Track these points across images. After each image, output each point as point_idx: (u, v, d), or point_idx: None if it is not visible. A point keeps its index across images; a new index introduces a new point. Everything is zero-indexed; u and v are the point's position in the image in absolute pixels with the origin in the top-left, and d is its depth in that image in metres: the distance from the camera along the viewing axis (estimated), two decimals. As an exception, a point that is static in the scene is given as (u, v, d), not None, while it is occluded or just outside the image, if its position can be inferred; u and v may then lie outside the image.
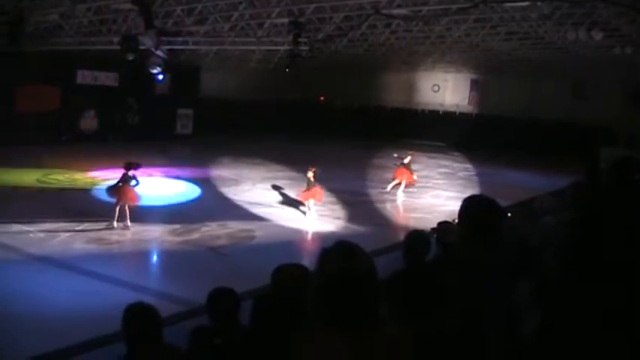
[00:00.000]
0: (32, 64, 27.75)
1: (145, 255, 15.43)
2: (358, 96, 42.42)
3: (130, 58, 22.94)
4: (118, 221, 16.08)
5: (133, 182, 16.26)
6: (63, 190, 21.49)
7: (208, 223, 17.14)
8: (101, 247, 14.76)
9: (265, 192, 22.27)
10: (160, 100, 35.39)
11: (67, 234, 15.56)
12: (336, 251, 2.99)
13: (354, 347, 2.86)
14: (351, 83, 41.46)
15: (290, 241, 16.54)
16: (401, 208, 21.69)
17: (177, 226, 17.13)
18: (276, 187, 22.93)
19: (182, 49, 24.22)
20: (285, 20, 20.69)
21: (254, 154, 30.12)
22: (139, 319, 4.60)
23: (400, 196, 22.56)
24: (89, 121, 33.27)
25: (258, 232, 17.13)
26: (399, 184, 22.84)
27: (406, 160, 22.95)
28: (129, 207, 16.23)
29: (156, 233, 16.63)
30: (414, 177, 23.45)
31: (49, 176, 23.23)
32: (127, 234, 15.95)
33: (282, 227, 17.90)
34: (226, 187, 21.72)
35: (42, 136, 28.84)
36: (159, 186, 22.45)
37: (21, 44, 23.61)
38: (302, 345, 2.98)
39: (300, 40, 19.98)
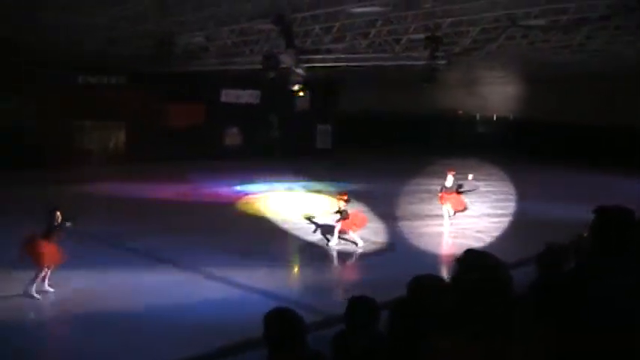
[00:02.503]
0: (180, 83, 29.17)
1: (284, 265, 15.87)
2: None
3: (271, 76, 23.67)
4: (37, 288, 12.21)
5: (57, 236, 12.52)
6: (207, 204, 22.41)
7: (345, 237, 17.39)
8: (244, 258, 15.30)
9: (406, 206, 22.31)
10: (300, 117, 36.17)
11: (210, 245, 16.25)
12: (477, 262, 3.07)
13: (488, 354, 2.94)
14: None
15: (427, 253, 16.66)
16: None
17: (315, 239, 17.67)
18: (411, 202, 23.00)
19: (321, 67, 24.72)
20: (422, 35, 20.75)
21: (391, 169, 30.23)
22: (282, 323, 4.63)
23: (447, 223, 19.98)
24: (233, 137, 34.52)
25: (397, 244, 17.33)
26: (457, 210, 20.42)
27: (448, 183, 20.06)
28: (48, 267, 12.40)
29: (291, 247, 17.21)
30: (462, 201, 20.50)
31: (196, 190, 24.26)
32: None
33: (419, 238, 18.01)
34: (363, 202, 21.92)
35: (189, 152, 30.10)
36: (298, 200, 23.10)
37: (170, 65, 24.84)
38: (438, 350, 3.10)
39: (437, 54, 20.04)
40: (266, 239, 17.35)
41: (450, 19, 20.55)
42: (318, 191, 25.06)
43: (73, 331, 11.06)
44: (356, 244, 16.83)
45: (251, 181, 26.17)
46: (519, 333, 3.06)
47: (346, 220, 16.78)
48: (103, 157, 30.25)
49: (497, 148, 37.50)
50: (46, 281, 12.29)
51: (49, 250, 12.16)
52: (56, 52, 24.42)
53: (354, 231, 16.94)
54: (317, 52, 23.69)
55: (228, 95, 33.44)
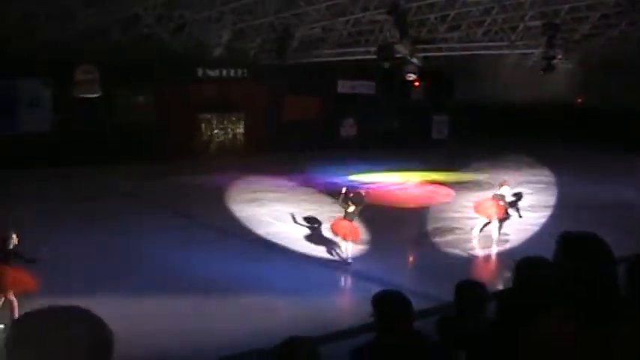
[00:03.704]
0: (297, 75, 29.69)
1: (395, 253, 16.07)
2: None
3: (387, 66, 23.83)
4: None
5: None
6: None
7: (460, 227, 17.38)
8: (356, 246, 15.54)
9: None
10: (416, 107, 36.10)
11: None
12: (583, 246, 3.15)
13: (592, 337, 3.01)
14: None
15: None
16: None
17: (432, 227, 17.73)
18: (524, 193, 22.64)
19: (436, 56, 24.68)
20: (539, 22, 20.42)
21: (508, 159, 29.76)
22: (389, 304, 4.68)
23: (476, 234, 16.97)
24: (349, 129, 34.85)
25: (512, 236, 17.15)
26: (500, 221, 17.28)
27: (501, 190, 17.21)
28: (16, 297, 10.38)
29: (410, 235, 17.31)
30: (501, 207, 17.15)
31: (312, 180, 24.67)
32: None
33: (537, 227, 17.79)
34: (480, 192, 21.73)
35: (305, 143, 30.65)
36: (416, 190, 23.21)
37: (287, 58, 25.37)
38: (540, 332, 3.20)
39: (554, 42, 19.66)
40: (382, 228, 17.48)
41: (568, 5, 20.14)
42: (435, 181, 25.01)
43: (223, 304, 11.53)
44: (347, 260, 14.44)
45: (366, 171, 26.37)
46: (622, 318, 3.11)
47: (340, 224, 14.56)
48: (222, 150, 31.15)
49: (621, 140, 36.03)
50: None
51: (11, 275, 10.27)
52: (178, 46, 25.32)
53: (345, 239, 14.52)
54: (432, 41, 23.66)
55: (344, 86, 33.75)
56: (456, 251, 15.94)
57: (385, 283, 12.30)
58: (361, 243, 15.11)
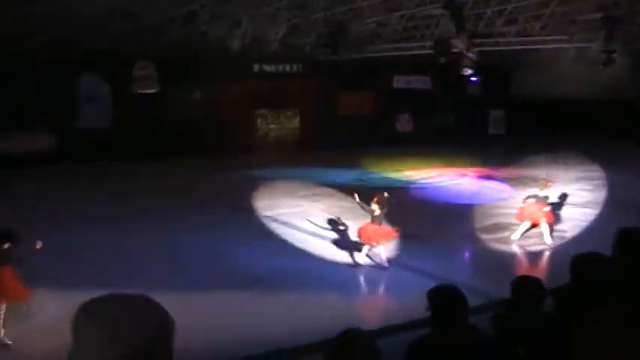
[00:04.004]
0: (352, 70, 29.67)
1: (450, 249, 15.94)
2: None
3: (442, 61, 23.66)
4: None
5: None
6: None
7: (517, 223, 17.15)
8: (411, 242, 15.49)
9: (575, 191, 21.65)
10: (472, 102, 35.75)
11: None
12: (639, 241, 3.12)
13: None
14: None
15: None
16: None
17: (490, 223, 17.58)
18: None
19: (493, 50, 24.41)
20: (599, 15, 20.04)
21: (564, 155, 29.26)
22: (445, 299, 4.69)
23: (515, 238, 16.14)
24: (405, 124, 34.71)
25: (569, 232, 16.91)
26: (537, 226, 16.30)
27: (544, 192, 16.23)
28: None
29: (465, 231, 17.17)
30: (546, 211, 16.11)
31: (367, 176, 24.65)
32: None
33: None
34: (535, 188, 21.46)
35: (360, 139, 30.59)
36: (472, 186, 23.00)
37: (342, 52, 25.36)
38: (592, 329, 3.19)
39: (614, 35, 19.30)
40: (438, 223, 17.40)
41: (628, -3, 19.73)
42: (491, 176, 24.77)
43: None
44: (383, 265, 13.89)
45: (422, 167, 26.24)
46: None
47: (367, 230, 13.93)
48: (277, 145, 31.33)
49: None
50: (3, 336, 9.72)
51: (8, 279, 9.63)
52: (234, 42, 25.50)
53: (375, 244, 13.95)
54: (489, 35, 23.42)
55: (400, 81, 33.62)
56: (512, 248, 15.77)
57: (439, 278, 12.24)
58: (394, 242, 14.58)
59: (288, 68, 30.15)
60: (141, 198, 19.60)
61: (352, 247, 14.69)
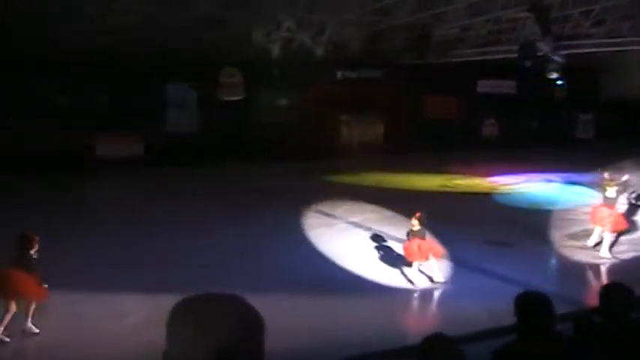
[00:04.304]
0: (436, 75, 29.55)
1: (544, 256, 15.70)
2: None
3: (528, 65, 23.32)
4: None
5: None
6: (464, 194, 22.58)
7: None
8: (496, 248, 15.33)
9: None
10: (559, 105, 35.10)
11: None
12: None
13: None
14: None
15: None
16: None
17: (578, 230, 17.23)
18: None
19: (580, 53, 23.91)
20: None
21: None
22: (533, 306, 4.61)
23: (605, 254, 15.13)
24: (490, 128, 34.34)
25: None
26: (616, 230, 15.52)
27: (610, 194, 15.32)
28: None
29: (552, 238, 16.89)
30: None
31: (452, 181, 24.51)
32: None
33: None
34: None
35: (446, 143, 30.40)
36: (559, 192, 22.59)
37: (426, 57, 25.32)
38: None
39: None
40: (523, 230, 17.17)
41: None
42: (577, 182, 24.22)
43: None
44: (437, 281, 13.11)
45: (509, 172, 25.88)
46: None
47: (412, 245, 13.10)
48: (362, 150, 31.43)
49: None
50: (29, 320, 10.00)
51: (25, 282, 9.77)
52: (319, 48, 25.77)
53: (421, 260, 13.15)
54: (576, 37, 22.96)
55: (484, 86, 33.29)
56: (599, 254, 15.41)
57: (526, 285, 12.08)
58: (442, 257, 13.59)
59: (372, 74, 30.21)
60: (224, 201, 19.93)
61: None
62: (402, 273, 13.45)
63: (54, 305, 10.47)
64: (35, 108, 24.80)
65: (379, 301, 12.01)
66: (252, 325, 1.95)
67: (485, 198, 21.96)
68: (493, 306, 10.40)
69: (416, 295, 12.55)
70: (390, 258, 14.51)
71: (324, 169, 25.36)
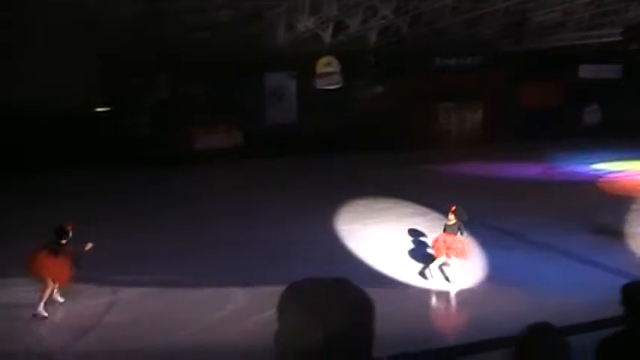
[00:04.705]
0: (536, 61, 28.97)
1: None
2: None
3: (633, 48, 22.66)
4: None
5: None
6: (564, 183, 22.09)
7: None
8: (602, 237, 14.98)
9: None
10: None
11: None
12: None
13: None
14: None
15: None
16: None
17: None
18: None
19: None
20: None
21: None
22: None
23: None
24: (592, 115, 33.41)
25: None
26: None
27: None
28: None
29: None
30: None
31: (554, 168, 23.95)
32: None
33: None
34: None
35: (545, 130, 29.81)
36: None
37: (525, 43, 24.89)
38: None
39: None
40: (629, 219, 16.70)
41: None
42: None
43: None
44: (447, 279, 12.57)
45: (612, 160, 25.12)
46: None
47: (439, 240, 12.59)
48: (460, 138, 31.19)
49: None
50: (56, 294, 11.20)
51: (53, 264, 10.93)
52: (415, 35, 25.72)
53: (446, 258, 12.48)
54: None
55: (586, 71, 32.35)
56: None
57: (631, 276, 11.82)
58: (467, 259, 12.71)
59: (469, 61, 29.89)
60: (323, 192, 19.99)
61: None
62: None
63: (166, 292, 10.96)
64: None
65: (486, 291, 11.91)
66: (362, 309, 1.96)
67: (586, 187, 21.41)
68: (599, 295, 10.21)
69: (524, 284, 12.33)
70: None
71: (422, 159, 25.25)
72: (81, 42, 22.27)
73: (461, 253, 12.33)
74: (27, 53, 21.65)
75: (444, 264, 12.47)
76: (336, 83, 27.27)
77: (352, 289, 1.99)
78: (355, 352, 1.91)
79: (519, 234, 15.65)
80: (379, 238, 15.42)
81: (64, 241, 10.89)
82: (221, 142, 26.91)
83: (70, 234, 10.97)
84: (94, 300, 11.22)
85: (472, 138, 31.05)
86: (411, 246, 14.67)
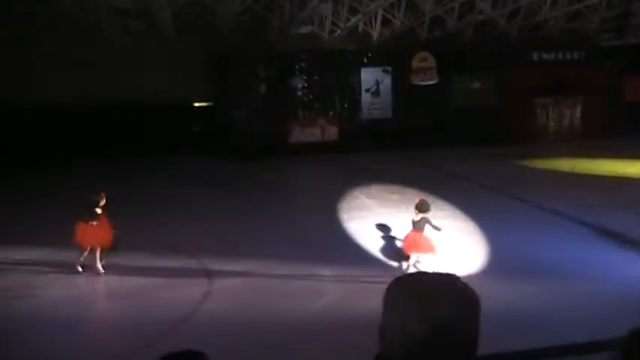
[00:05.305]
0: (638, 55, 28.21)
1: None
2: None
3: None
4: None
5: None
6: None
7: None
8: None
9: None
10: None
11: None
12: None
13: None
14: None
15: None
16: None
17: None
18: None
19: None
20: None
21: None
22: None
23: None
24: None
25: None
26: None
27: None
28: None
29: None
30: None
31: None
32: None
33: None
34: None
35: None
36: None
37: (628, 36, 24.31)
38: None
39: None
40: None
41: None
42: None
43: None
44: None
45: None
46: None
47: (410, 237, 11.93)
48: (559, 134, 30.68)
49: None
50: (98, 265, 12.20)
51: (89, 231, 12.11)
52: (513, 30, 25.49)
53: (415, 255, 11.86)
54: None
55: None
56: None
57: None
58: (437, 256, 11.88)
59: (569, 55, 29.34)
60: (418, 186, 19.97)
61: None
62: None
63: (265, 284, 11.31)
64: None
65: (589, 289, 11.75)
66: (467, 303, 1.96)
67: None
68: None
69: (609, 282, 12.08)
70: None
71: (520, 154, 24.98)
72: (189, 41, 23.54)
73: (429, 249, 11.78)
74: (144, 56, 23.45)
75: (416, 262, 11.90)
76: (431, 79, 27.32)
77: (459, 284, 1.99)
78: (461, 347, 1.93)
79: (614, 229, 15.28)
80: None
81: (99, 210, 12.07)
82: (316, 137, 27.40)
83: (102, 202, 12.12)
84: (190, 289, 11.56)
85: (573, 134, 30.48)
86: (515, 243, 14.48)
